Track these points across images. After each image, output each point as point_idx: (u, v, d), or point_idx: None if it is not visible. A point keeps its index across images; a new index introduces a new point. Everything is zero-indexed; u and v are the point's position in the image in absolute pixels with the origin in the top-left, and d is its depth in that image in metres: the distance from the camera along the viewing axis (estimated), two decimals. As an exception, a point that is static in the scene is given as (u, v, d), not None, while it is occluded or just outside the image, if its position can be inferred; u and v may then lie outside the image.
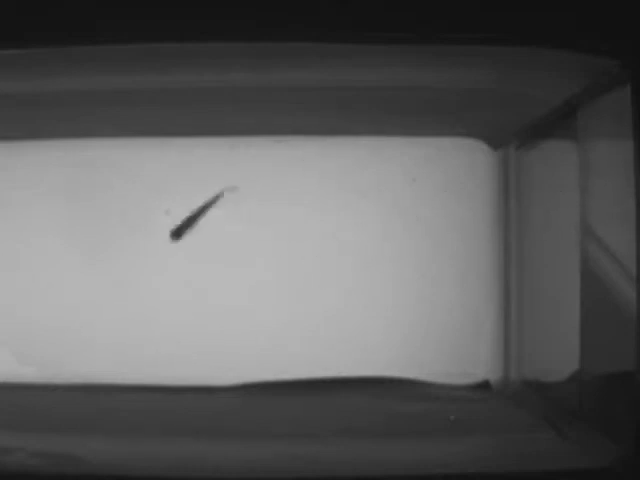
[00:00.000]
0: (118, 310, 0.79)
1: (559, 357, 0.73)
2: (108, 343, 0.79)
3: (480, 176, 0.80)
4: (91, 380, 0.78)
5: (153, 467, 0.64)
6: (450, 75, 0.69)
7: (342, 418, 0.75)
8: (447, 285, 0.80)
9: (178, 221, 0.79)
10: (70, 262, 0.79)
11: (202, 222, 0.80)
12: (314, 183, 0.80)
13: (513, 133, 0.79)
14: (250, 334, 0.79)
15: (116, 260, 0.79)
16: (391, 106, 0.75)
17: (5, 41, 0.60)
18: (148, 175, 0.80)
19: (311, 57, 0.66)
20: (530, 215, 0.78)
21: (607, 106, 0.66)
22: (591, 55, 0.62)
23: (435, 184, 0.80)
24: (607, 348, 0.66)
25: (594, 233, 0.68)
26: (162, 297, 0.79)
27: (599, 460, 0.62)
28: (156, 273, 0.79)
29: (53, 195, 0.79)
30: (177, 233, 0.78)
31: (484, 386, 0.79)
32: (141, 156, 0.79)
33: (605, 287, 0.66)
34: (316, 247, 0.80)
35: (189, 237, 0.80)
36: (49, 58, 0.64)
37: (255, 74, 0.69)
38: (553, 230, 0.75)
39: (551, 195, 0.75)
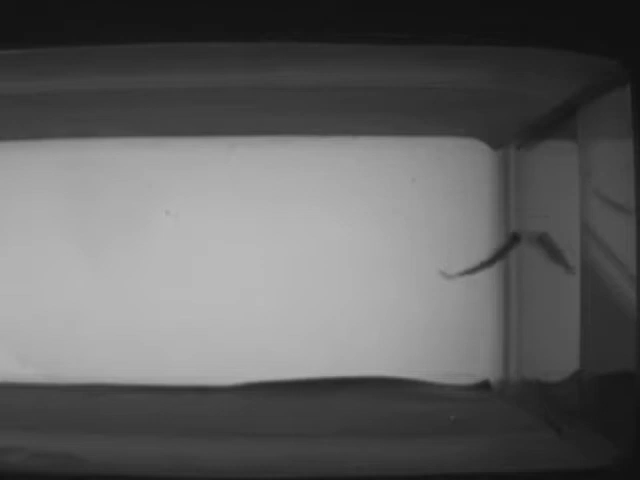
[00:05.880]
0: (118, 310, 0.79)
1: (559, 357, 0.73)
2: (108, 343, 0.79)
3: (480, 176, 0.80)
4: (91, 380, 0.78)
5: (153, 467, 0.64)
6: (450, 75, 0.69)
7: (342, 418, 0.75)
8: (447, 285, 0.80)
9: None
10: (70, 262, 0.79)
11: (201, 222, 0.80)
12: (314, 183, 0.80)
13: (513, 133, 0.79)
14: (250, 334, 0.79)
15: (116, 260, 0.79)
16: (391, 106, 0.75)
17: (5, 41, 0.60)
18: (148, 175, 0.80)
19: (311, 57, 0.66)
20: (530, 215, 0.78)
21: (607, 106, 0.66)
22: (591, 55, 0.62)
23: (435, 184, 0.80)
24: (607, 348, 0.66)
25: (594, 233, 0.68)
26: (162, 297, 0.79)
27: (599, 460, 0.62)
28: (156, 273, 0.79)
29: (53, 195, 0.79)
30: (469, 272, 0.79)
31: (484, 386, 0.79)
32: (141, 156, 0.79)
33: (605, 287, 0.66)
34: (316, 247, 0.80)
35: (189, 237, 0.80)
36: (49, 58, 0.64)
37: (255, 74, 0.69)
38: (553, 230, 0.75)
39: (551, 195, 0.75)
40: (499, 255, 0.78)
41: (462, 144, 0.80)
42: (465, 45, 0.62)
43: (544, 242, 0.74)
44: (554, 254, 0.73)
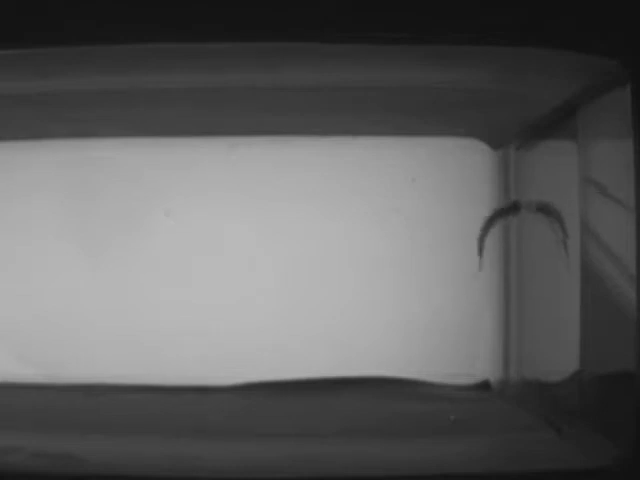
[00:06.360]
0: (118, 310, 0.79)
1: (559, 357, 0.73)
2: (108, 343, 0.79)
3: (480, 176, 0.80)
4: (91, 380, 0.78)
5: (153, 467, 0.64)
6: (450, 75, 0.69)
7: (342, 418, 0.75)
8: (447, 285, 0.80)
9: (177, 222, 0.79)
10: (70, 262, 0.79)
11: (201, 222, 0.80)
12: (314, 183, 0.80)
13: (513, 133, 0.79)
14: (250, 334, 0.79)
15: (116, 260, 0.79)
16: (391, 106, 0.75)
17: (5, 41, 0.60)
18: (148, 175, 0.80)
19: (311, 57, 0.66)
20: (529, 215, 0.78)
21: (607, 106, 0.66)
22: (591, 55, 0.62)
23: (435, 184, 0.80)
24: (607, 348, 0.66)
25: (594, 233, 0.68)
26: (162, 297, 0.79)
27: (598, 460, 0.62)
28: (156, 273, 0.79)
29: (53, 195, 0.79)
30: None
31: (484, 386, 0.79)
32: (141, 156, 0.79)
33: (605, 287, 0.66)
34: (316, 247, 0.80)
35: (189, 237, 0.80)
36: (49, 58, 0.64)
37: (255, 74, 0.69)
38: (553, 230, 0.75)
39: (551, 195, 0.75)
40: (499, 215, 0.78)
41: (462, 144, 0.80)
42: (465, 45, 0.62)
43: (545, 210, 0.74)
44: (556, 220, 0.73)
